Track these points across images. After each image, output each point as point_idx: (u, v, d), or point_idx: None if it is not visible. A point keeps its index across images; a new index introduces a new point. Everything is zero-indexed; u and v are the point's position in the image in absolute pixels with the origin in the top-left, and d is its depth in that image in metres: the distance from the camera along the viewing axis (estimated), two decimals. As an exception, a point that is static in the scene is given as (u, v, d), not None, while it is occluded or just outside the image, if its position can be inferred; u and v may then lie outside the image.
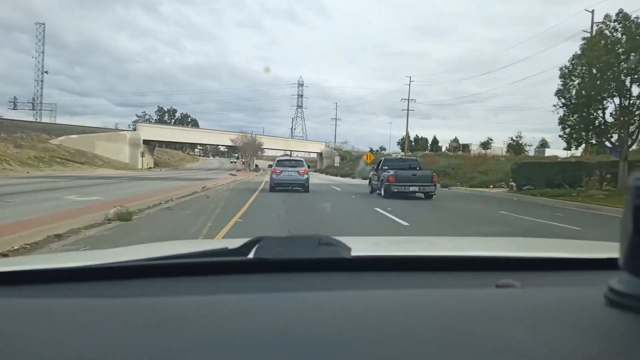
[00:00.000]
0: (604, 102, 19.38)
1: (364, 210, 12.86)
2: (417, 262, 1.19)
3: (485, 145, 66.34)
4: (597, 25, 20.33)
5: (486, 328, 0.58)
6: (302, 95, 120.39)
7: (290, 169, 19.06)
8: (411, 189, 17.19)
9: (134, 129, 67.34)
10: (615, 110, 19.54)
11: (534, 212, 12.92)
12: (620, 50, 18.55)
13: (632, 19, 18.46)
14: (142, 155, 60.57)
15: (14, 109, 76.76)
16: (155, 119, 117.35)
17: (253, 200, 14.77)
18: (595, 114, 19.66)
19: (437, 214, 12.56)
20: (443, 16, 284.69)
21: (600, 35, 19.31)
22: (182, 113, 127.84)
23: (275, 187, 18.71)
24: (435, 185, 17.75)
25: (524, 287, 0.89)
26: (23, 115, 71.98)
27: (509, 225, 9.88)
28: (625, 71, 18.39)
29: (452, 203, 16.51)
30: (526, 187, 21.98)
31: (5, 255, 5.43)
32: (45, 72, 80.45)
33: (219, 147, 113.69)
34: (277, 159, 21.53)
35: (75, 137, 54.64)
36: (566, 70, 19.99)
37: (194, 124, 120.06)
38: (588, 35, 22.15)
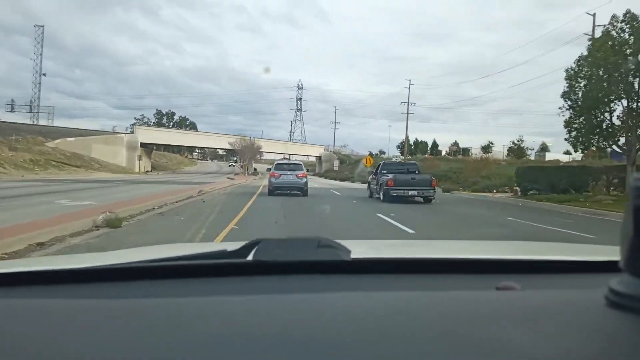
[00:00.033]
0: (612, 104, 18.86)
1: (364, 215, 12.61)
2: (417, 264, 1.18)
3: (487, 149, 66.01)
4: (604, 27, 19.79)
5: (486, 330, 0.58)
6: (301, 99, 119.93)
7: (289, 173, 19.07)
8: (410, 193, 17.11)
9: (132, 132, 66.84)
10: (622, 113, 19.02)
11: (543, 219, 12.63)
12: (628, 51, 18.06)
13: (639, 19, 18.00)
14: (140, 159, 59.86)
15: (11, 111, 76.19)
16: (154, 122, 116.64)
17: (251, 204, 14.49)
18: (602, 116, 19.17)
19: (444, 220, 12.30)
20: (442, 21, 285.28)
21: (607, 36, 18.81)
22: (180, 116, 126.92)
23: (274, 190, 18.78)
24: (434, 189, 17.73)
25: (524, 289, 0.87)
26: (20, 118, 71.52)
27: (522, 231, 9.64)
28: (633, 72, 17.90)
29: (456, 208, 16.26)
30: (531, 192, 21.51)
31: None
32: (43, 74, 79.69)
33: (218, 150, 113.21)
34: (276, 162, 21.56)
35: (71, 140, 54.16)
36: (572, 72, 19.52)
37: (193, 127, 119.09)
38: (590, 37, 21.78)
